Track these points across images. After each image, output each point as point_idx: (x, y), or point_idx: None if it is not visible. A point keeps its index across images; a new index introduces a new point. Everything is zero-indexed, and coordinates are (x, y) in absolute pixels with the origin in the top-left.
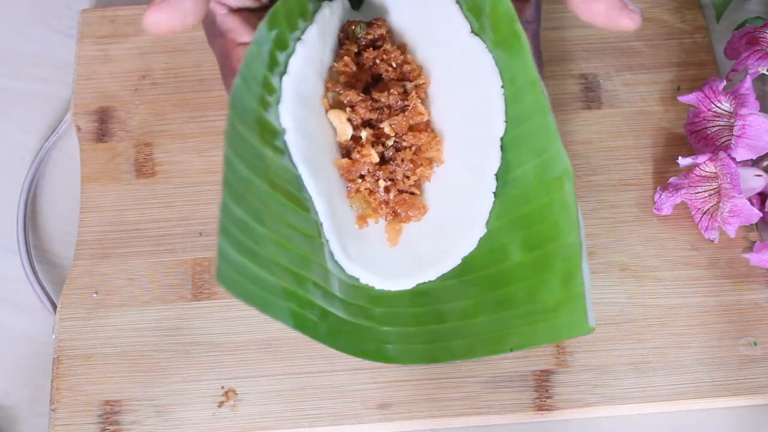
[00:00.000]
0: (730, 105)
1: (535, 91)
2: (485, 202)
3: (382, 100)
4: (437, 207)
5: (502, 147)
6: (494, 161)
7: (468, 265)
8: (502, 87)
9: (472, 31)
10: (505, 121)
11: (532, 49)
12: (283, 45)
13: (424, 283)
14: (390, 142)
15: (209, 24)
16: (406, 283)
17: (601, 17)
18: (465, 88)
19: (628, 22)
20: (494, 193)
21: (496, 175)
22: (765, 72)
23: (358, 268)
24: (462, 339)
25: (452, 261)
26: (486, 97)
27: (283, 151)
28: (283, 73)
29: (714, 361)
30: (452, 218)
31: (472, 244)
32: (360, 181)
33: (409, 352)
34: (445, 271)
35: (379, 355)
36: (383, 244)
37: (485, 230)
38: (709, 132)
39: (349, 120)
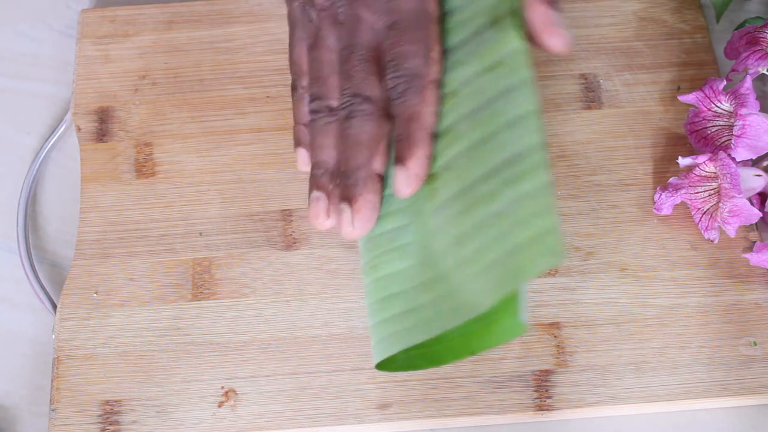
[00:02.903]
0: (730, 105)
1: None
2: None
3: None
4: None
5: None
6: None
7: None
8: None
9: None
10: None
11: None
12: None
13: None
14: None
15: None
16: None
17: (533, 24)
18: None
19: (554, 41)
20: None
21: None
22: (765, 72)
23: None
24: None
25: None
26: None
27: None
28: None
29: (714, 361)
30: None
31: None
32: None
33: None
34: None
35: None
36: None
37: None
38: (709, 132)
39: None
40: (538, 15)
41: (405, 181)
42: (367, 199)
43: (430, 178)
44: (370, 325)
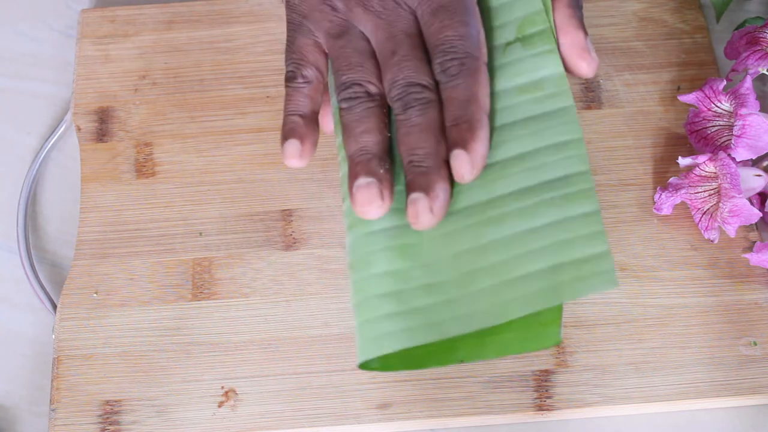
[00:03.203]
0: (730, 105)
1: None
2: None
3: None
4: None
5: None
6: None
7: None
8: None
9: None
10: None
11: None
12: None
13: None
14: None
15: None
16: None
17: (565, 47)
18: None
19: (585, 66)
20: None
21: None
22: (765, 72)
23: None
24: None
25: None
26: None
27: None
28: None
29: (714, 361)
30: None
31: None
32: None
33: None
34: None
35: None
36: None
37: None
38: (709, 132)
39: None
40: (572, 39)
41: (471, 163)
42: (443, 186)
43: None
44: (356, 323)
